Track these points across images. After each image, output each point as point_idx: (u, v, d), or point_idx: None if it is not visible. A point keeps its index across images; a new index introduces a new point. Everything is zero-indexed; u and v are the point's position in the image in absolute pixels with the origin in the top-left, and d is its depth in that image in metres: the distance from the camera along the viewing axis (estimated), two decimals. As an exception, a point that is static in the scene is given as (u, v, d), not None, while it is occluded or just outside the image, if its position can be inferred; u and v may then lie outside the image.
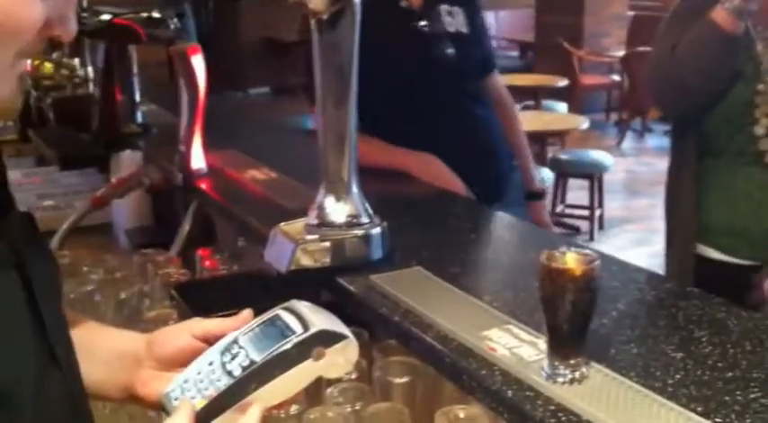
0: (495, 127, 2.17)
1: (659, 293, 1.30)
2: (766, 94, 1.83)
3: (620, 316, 1.19)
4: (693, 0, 1.90)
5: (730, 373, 1.01)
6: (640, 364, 1.05)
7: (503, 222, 1.70)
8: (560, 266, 0.99)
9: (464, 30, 2.11)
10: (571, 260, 1.00)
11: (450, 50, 2.06)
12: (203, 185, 1.89)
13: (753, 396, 0.96)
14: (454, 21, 2.10)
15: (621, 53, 7.51)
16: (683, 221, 1.99)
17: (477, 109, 2.12)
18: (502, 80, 2.35)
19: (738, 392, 0.97)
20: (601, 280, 0.99)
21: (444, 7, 2.10)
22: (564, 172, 5.02)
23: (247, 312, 0.92)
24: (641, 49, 7.17)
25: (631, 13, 8.51)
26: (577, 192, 5.21)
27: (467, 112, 2.10)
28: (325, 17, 1.27)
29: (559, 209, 5.14)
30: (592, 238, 4.93)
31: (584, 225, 5.07)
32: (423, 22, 2.06)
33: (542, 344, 1.06)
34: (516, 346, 1.09)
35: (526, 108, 6.03)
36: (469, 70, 2.13)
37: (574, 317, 1.00)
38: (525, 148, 2.32)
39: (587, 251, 1.02)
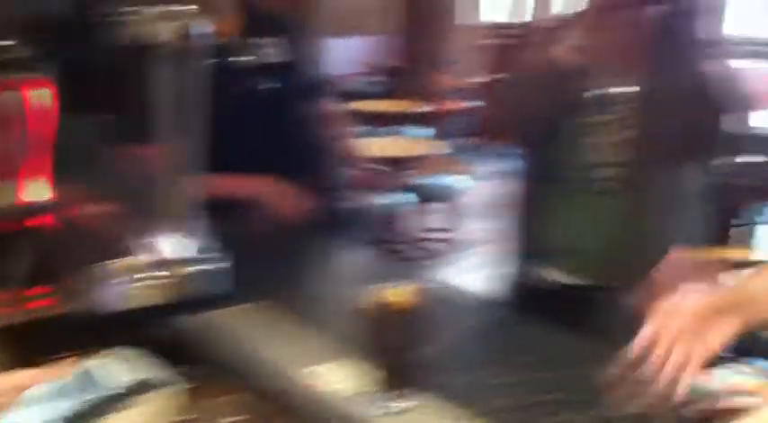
0: (324, 156, 2.17)
1: (495, 320, 1.34)
2: (604, 125, 1.92)
3: (453, 344, 1.22)
4: (542, 34, 2.00)
5: (555, 397, 1.05)
6: (468, 392, 1.08)
7: (345, 255, 1.72)
8: (386, 301, 1.02)
9: (285, 60, 2.10)
10: (397, 294, 1.03)
11: (268, 83, 2.05)
12: (37, 221, 1.82)
13: (577, 419, 1.00)
14: (273, 51, 2.10)
15: (482, 79, 7.71)
16: (526, 244, 2.07)
17: (306, 139, 2.12)
18: (340, 105, 2.36)
19: (561, 415, 1.00)
20: (430, 311, 1.01)
21: (260, 39, 2.10)
22: (423, 197, 5.11)
23: (64, 362, 0.91)
24: (501, 75, 7.39)
25: (493, 40, 8.76)
26: (436, 215, 5.31)
27: (292, 145, 2.10)
28: (165, 52, 1.27)
29: (418, 233, 5.22)
30: (449, 262, 5.03)
31: (442, 248, 5.17)
32: (235, 57, 2.05)
33: (373, 377, 1.07)
34: (348, 380, 1.10)
35: (388, 134, 6.10)
36: (293, 101, 2.13)
37: (400, 350, 1.02)
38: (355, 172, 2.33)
39: (416, 284, 1.04)
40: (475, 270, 4.94)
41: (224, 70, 2.02)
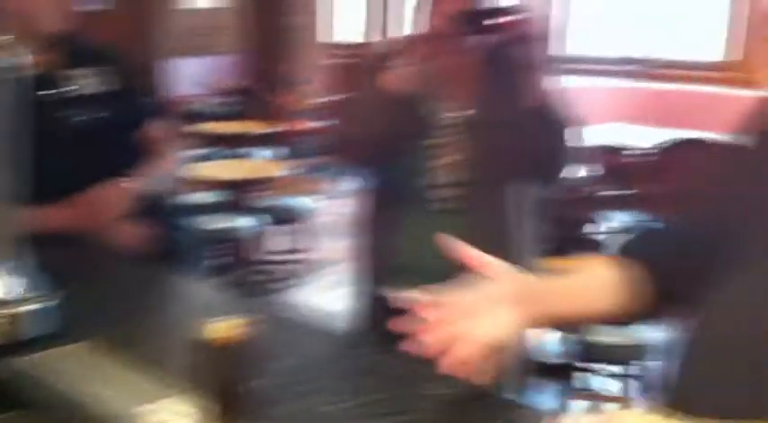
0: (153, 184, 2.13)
1: (341, 342, 1.33)
2: (440, 148, 1.98)
3: (291, 371, 1.21)
4: (377, 58, 2.05)
5: (396, 420, 1.06)
6: (301, 420, 1.07)
7: (182, 287, 1.68)
8: (219, 334, 0.99)
9: (109, 89, 2.07)
10: (223, 329, 1.01)
11: (92, 113, 2.01)
12: None
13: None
14: (95, 81, 2.05)
15: (331, 99, 7.76)
16: (375, 263, 2.10)
17: (135, 166, 2.08)
18: (178, 129, 2.33)
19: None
20: (267, 341, 1.00)
21: (72, 71, 2.05)
22: (274, 218, 5.07)
23: None
24: (348, 96, 7.47)
25: (338, 60, 8.84)
26: (285, 237, 5.28)
27: (120, 174, 2.06)
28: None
29: (269, 256, 5.18)
30: (297, 284, 5.01)
31: (294, 270, 5.14)
32: (55, 89, 1.99)
33: (207, 412, 1.05)
34: (181, 417, 1.07)
35: (234, 156, 6.04)
36: (119, 129, 2.09)
37: (235, 383, 1.00)
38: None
39: (250, 315, 1.03)
40: (329, 290, 4.95)
41: (44, 102, 1.95)
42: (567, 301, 1.19)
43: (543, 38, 1.89)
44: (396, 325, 1.11)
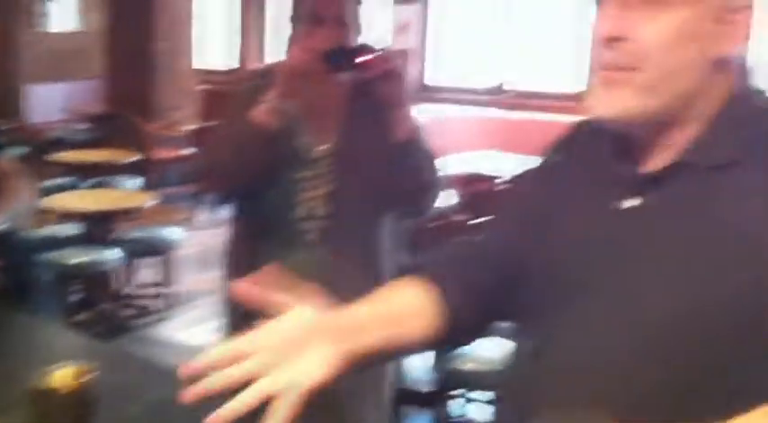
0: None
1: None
2: (309, 181, 2.00)
3: (132, 418, 1.17)
4: (247, 90, 2.06)
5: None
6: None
7: (27, 329, 1.60)
8: (47, 387, 0.95)
9: None
10: (66, 376, 0.97)
11: None
12: None
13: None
14: None
15: (195, 126, 7.65)
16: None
17: None
18: (21, 160, 2.24)
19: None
20: (104, 390, 0.96)
21: None
22: (134, 251, 4.91)
23: None
24: (214, 122, 7.38)
25: (204, 86, 8.72)
26: (151, 270, 5.14)
27: None
28: None
29: (128, 290, 5.02)
30: (163, 318, 4.88)
31: (155, 304, 5.00)
32: None
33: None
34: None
35: (98, 185, 5.83)
36: None
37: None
38: None
39: (92, 362, 0.99)
40: (197, 324, 4.84)
41: None
42: (379, 330, 1.09)
43: (404, 75, 1.94)
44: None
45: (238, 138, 1.96)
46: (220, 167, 2.05)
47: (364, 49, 1.93)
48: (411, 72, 8.06)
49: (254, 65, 9.39)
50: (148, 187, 6.29)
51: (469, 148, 6.38)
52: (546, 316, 1.08)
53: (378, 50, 1.92)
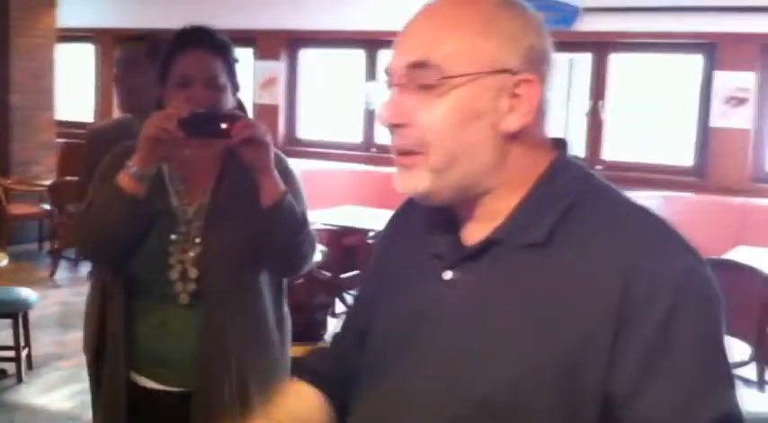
0: None
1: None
2: (178, 243, 1.98)
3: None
4: (114, 160, 2.03)
5: None
6: None
7: None
8: None
9: None
10: None
11: None
12: None
13: None
14: None
15: (51, 181, 7.37)
16: (114, 354, 2.04)
17: None
18: None
19: None
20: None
21: None
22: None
23: None
24: (70, 178, 7.14)
25: (61, 140, 8.44)
26: (4, 331, 4.87)
27: None
28: None
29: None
30: (20, 381, 4.61)
31: (11, 367, 4.73)
32: None
33: None
34: None
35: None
36: None
37: None
38: None
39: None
40: (56, 386, 4.60)
41: None
42: None
43: (267, 141, 1.92)
44: None
45: (105, 205, 1.94)
46: (90, 234, 2.01)
47: (224, 115, 1.91)
48: (280, 126, 8.08)
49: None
50: (6, 244, 5.99)
51: (339, 202, 6.42)
52: (369, 382, 1.12)
53: (239, 116, 1.90)
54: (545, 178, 1.06)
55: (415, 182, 1.03)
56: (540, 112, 1.04)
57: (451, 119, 1.00)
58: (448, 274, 1.06)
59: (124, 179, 1.90)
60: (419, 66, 1.01)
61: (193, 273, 1.98)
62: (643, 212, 1.04)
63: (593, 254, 0.99)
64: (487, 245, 1.04)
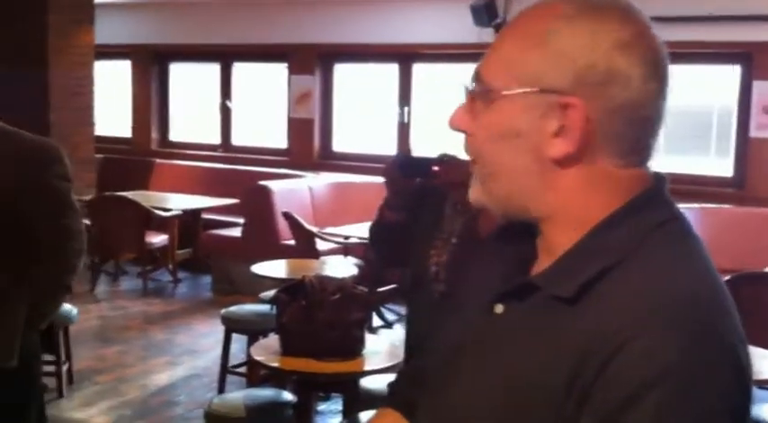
0: None
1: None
2: None
3: None
4: None
5: None
6: None
7: None
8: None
9: None
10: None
11: None
12: None
13: None
14: None
15: (90, 196, 7.45)
16: None
17: None
18: None
19: None
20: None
21: None
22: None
23: None
24: (109, 193, 7.22)
25: (100, 155, 8.53)
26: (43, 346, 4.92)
27: None
28: None
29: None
30: (61, 395, 4.66)
31: (51, 382, 4.78)
32: None
33: None
34: None
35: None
36: None
37: None
38: None
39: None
40: (96, 400, 4.64)
41: None
42: None
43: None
44: None
45: None
46: None
47: None
48: (315, 140, 8.11)
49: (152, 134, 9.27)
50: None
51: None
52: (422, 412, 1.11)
53: None
54: (605, 223, 0.95)
55: (473, 190, 1.03)
56: (604, 141, 0.94)
57: (489, 132, 0.98)
58: (499, 308, 1.01)
59: None
60: (476, 75, 1.00)
61: None
62: (689, 280, 0.91)
63: (606, 323, 0.88)
64: (526, 286, 0.98)
